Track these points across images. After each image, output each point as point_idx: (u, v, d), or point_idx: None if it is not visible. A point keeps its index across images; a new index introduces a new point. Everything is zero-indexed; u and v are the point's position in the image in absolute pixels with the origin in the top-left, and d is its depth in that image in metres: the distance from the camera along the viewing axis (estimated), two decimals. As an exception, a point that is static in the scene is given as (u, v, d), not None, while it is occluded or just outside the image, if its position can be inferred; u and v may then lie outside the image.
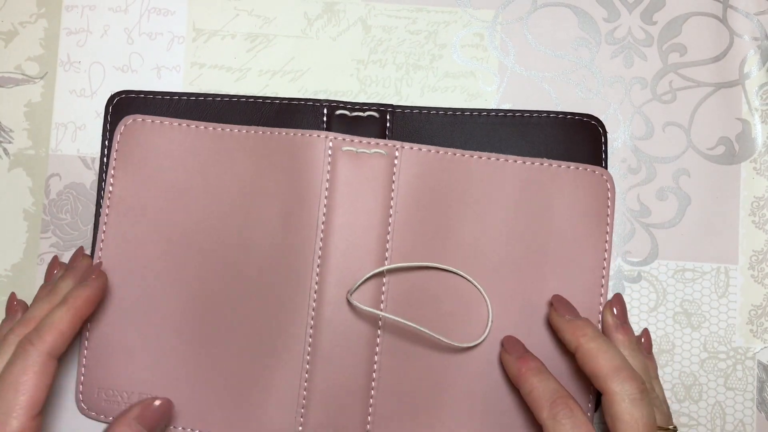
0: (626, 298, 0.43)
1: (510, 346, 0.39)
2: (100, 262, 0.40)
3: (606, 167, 0.43)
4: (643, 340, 0.41)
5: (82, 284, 0.38)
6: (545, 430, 0.35)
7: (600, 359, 0.36)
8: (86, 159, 0.43)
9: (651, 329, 0.43)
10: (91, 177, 0.43)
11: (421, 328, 0.39)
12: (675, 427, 0.38)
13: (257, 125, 0.42)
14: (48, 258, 0.42)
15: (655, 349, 0.43)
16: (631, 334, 0.40)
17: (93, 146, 0.43)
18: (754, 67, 0.45)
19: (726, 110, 0.44)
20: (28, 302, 0.39)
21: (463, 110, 0.43)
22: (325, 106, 0.43)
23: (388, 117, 0.43)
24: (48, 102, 0.43)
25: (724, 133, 0.44)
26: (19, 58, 0.44)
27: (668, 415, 0.38)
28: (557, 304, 0.40)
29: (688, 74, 0.45)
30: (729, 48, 0.45)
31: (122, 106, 0.42)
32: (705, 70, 0.45)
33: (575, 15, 0.45)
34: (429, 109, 0.43)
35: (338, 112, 0.43)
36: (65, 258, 0.42)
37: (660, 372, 0.43)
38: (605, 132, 0.43)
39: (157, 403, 0.38)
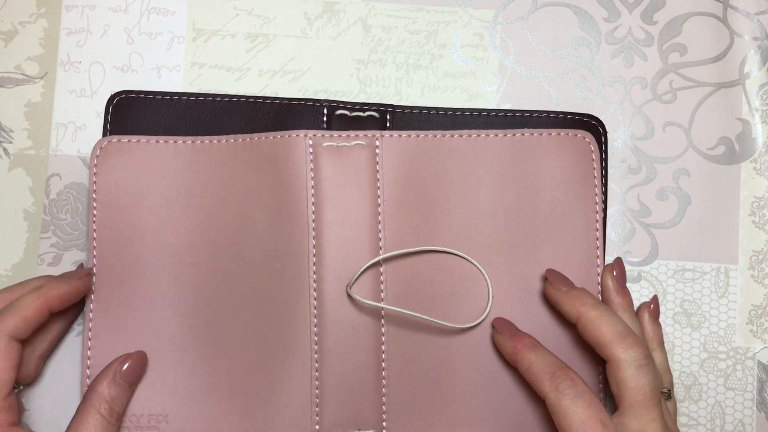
0: (626, 298, 0.43)
1: (501, 327, 0.40)
2: (92, 269, 0.40)
3: (606, 167, 0.43)
4: (652, 306, 0.41)
5: (61, 279, 0.38)
6: (548, 402, 0.35)
7: (603, 327, 0.36)
8: (86, 159, 0.43)
9: (651, 329, 0.43)
10: (91, 177, 0.43)
11: (424, 316, 0.39)
12: (668, 390, 0.38)
13: (257, 125, 0.42)
14: (48, 258, 0.42)
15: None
16: (630, 298, 0.40)
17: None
18: (755, 67, 0.45)
19: (726, 110, 0.44)
20: None
21: (463, 110, 0.43)
22: (325, 106, 0.43)
23: (388, 117, 0.43)
24: (48, 102, 0.43)
25: (724, 133, 0.44)
26: (19, 58, 0.44)
27: (669, 382, 0.39)
28: (551, 278, 0.40)
29: (688, 74, 0.45)
30: (729, 48, 0.45)
31: (122, 106, 0.42)
32: (705, 70, 0.45)
33: (575, 15, 0.45)
34: (429, 109, 0.43)
35: (338, 112, 0.43)
36: (65, 258, 0.42)
37: (660, 372, 0.43)
38: (605, 132, 0.43)
39: (130, 360, 0.38)
